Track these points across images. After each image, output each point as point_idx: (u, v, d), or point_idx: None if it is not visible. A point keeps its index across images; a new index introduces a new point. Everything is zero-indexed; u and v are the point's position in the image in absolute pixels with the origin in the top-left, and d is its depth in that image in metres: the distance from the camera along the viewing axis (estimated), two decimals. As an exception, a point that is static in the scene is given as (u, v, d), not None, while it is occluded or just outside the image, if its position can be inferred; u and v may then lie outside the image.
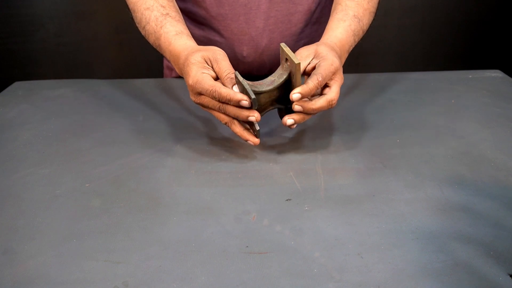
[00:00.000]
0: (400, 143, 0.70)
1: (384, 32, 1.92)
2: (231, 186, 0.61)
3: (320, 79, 0.63)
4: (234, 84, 0.63)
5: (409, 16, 1.92)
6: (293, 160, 0.66)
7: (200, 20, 0.90)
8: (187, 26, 0.77)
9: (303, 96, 0.62)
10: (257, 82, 0.64)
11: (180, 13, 0.79)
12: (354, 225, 0.53)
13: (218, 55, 0.65)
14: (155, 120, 0.79)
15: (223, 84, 0.63)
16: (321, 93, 0.66)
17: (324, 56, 0.65)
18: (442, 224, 0.53)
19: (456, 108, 0.82)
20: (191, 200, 0.58)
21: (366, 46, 0.80)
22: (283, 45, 0.63)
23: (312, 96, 0.65)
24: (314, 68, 0.66)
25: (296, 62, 0.61)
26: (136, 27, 0.80)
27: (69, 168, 0.65)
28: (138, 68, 1.94)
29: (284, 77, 0.64)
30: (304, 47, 0.69)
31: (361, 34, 0.77)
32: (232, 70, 0.63)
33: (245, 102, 0.60)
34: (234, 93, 0.61)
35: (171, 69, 1.04)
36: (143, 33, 0.79)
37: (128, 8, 0.81)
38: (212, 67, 0.65)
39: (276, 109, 0.68)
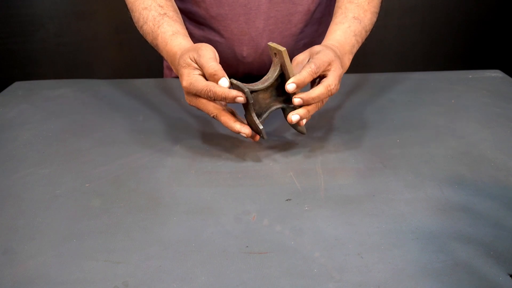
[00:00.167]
0: (400, 143, 0.70)
1: (384, 32, 1.92)
2: (231, 186, 0.61)
3: (313, 67, 0.63)
4: (219, 79, 0.62)
5: (409, 16, 1.92)
6: (293, 160, 0.66)
7: (200, 20, 0.90)
8: (187, 27, 0.77)
9: (298, 86, 0.62)
10: (252, 83, 0.64)
11: (179, 13, 0.79)
12: (354, 225, 0.53)
13: (201, 53, 0.64)
14: (155, 120, 0.79)
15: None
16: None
17: (318, 51, 0.66)
18: (442, 224, 0.53)
19: (456, 108, 0.82)
20: (191, 200, 0.58)
21: (366, 46, 0.80)
22: (270, 43, 0.63)
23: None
24: None
25: (282, 49, 0.61)
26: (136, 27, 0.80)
27: (69, 168, 0.65)
28: (138, 68, 1.94)
29: (277, 71, 0.64)
30: (300, 53, 0.69)
31: (364, 34, 0.77)
32: (215, 64, 0.62)
33: (241, 98, 0.61)
34: (228, 90, 0.61)
35: (171, 69, 1.04)
36: (141, 32, 0.79)
37: (127, 8, 0.81)
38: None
39: (279, 110, 0.68)
